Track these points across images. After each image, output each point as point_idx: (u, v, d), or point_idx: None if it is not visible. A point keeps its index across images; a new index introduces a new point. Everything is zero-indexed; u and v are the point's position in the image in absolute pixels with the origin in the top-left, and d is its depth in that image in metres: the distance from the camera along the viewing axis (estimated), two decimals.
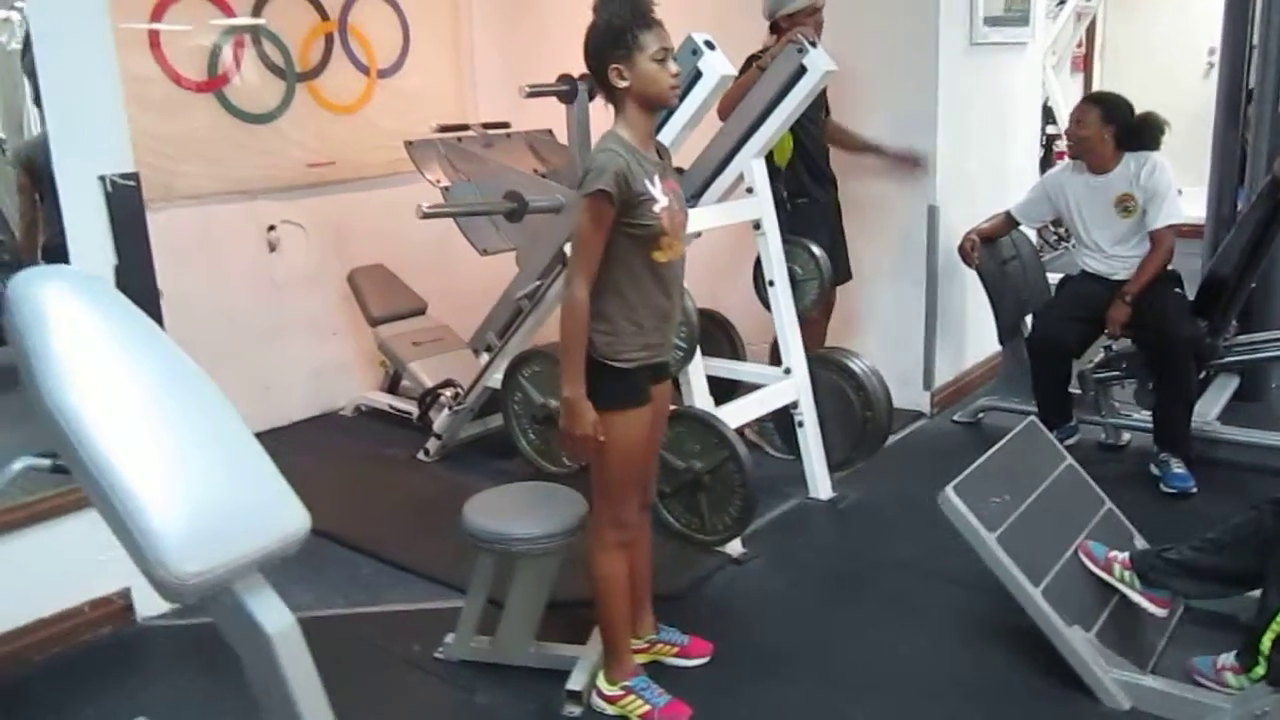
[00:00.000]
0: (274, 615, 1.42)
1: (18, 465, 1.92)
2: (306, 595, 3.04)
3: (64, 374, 1.40)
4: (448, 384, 4.07)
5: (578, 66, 3.65)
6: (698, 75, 2.95)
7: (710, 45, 2.94)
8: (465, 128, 4.03)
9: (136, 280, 2.81)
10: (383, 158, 4.75)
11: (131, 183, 2.78)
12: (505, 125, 4.18)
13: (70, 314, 1.49)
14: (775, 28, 3.70)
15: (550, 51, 4.88)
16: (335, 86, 4.60)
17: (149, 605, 2.97)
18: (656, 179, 2.21)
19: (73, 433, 1.36)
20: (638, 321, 2.23)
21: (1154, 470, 3.59)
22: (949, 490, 2.53)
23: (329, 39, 4.55)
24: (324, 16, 4.52)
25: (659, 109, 2.26)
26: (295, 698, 1.42)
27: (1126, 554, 2.59)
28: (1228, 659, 2.37)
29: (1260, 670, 2.27)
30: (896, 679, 2.58)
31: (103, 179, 2.72)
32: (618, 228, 2.17)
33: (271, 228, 4.43)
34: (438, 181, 3.76)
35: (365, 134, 4.72)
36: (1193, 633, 2.62)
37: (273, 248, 4.45)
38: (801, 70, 3.26)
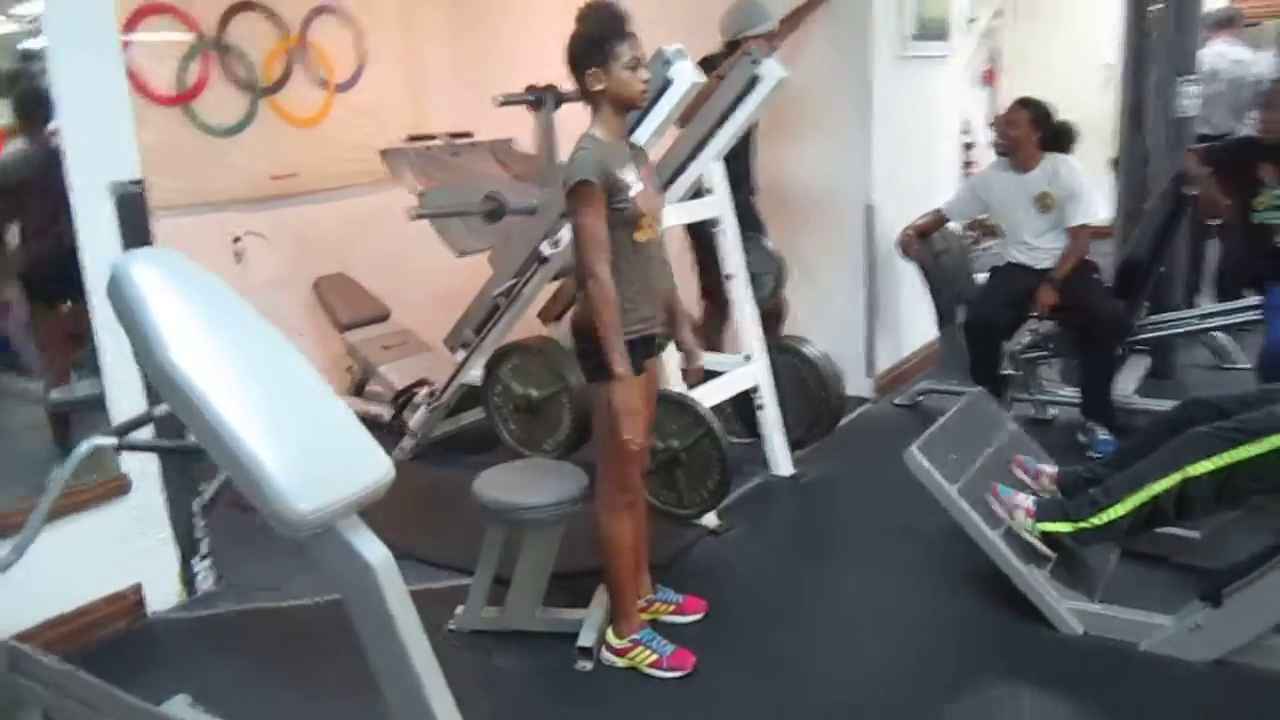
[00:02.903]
0: (374, 548, 1.59)
1: (85, 447, 2.05)
2: (315, 581, 3.20)
3: (175, 343, 1.56)
4: (422, 383, 4.23)
5: (525, 78, 3.92)
6: (668, 83, 3.20)
7: (680, 54, 3.19)
8: (433, 137, 4.21)
9: None
10: (342, 169, 4.91)
11: (138, 188, 2.92)
12: (468, 135, 4.38)
13: (169, 289, 1.65)
14: (732, 46, 3.97)
15: (499, 64, 5.15)
16: (297, 100, 4.74)
17: (159, 600, 3.08)
18: (630, 166, 2.46)
19: (193, 394, 1.52)
20: (630, 297, 2.46)
21: (1081, 438, 3.94)
22: (914, 449, 2.82)
23: (290, 55, 4.69)
24: (285, 33, 4.66)
25: (630, 109, 2.54)
26: (397, 622, 1.60)
27: (1056, 470, 3.00)
28: (1027, 501, 2.79)
29: (1052, 528, 2.72)
30: (874, 622, 2.86)
31: (113, 185, 2.85)
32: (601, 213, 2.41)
33: (237, 239, 4.53)
34: (414, 189, 3.93)
35: (325, 146, 4.86)
36: (1128, 568, 2.93)
37: (239, 258, 4.55)
38: (755, 79, 3.54)
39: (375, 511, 3.61)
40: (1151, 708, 2.41)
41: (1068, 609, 2.68)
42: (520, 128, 4.49)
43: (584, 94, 2.48)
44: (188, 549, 3.13)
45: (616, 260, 2.43)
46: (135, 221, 2.91)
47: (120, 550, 2.98)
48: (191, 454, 2.17)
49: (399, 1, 5.20)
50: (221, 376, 1.57)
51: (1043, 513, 2.79)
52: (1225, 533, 2.89)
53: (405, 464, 4.18)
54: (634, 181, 2.45)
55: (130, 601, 3.01)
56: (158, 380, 1.56)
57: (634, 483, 2.59)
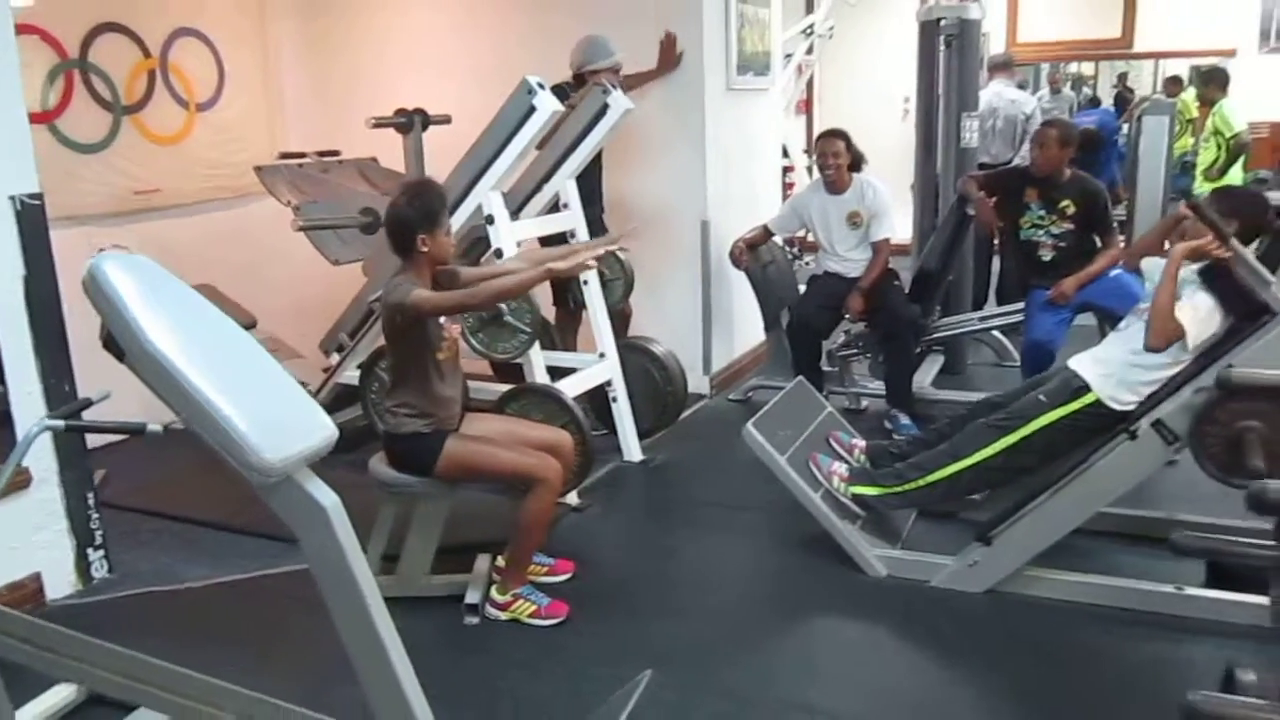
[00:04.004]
0: (326, 494, 1.93)
1: (36, 428, 2.30)
2: (204, 569, 3.47)
3: (151, 328, 1.88)
4: None
5: (377, 99, 4.26)
6: (532, 110, 3.62)
7: (542, 86, 3.62)
8: (304, 155, 4.48)
9: (42, 289, 3.16)
10: (203, 185, 5.11)
11: (38, 201, 3.12)
12: (336, 153, 4.66)
13: (136, 284, 1.96)
14: (580, 78, 4.42)
15: (352, 86, 5.48)
16: (159, 119, 4.90)
17: (57, 588, 3.26)
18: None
19: (174, 371, 1.83)
20: (439, 403, 3.00)
21: (888, 424, 4.57)
22: (749, 426, 3.33)
23: (151, 75, 4.85)
24: (146, 54, 4.82)
25: (442, 266, 3.05)
26: (347, 554, 1.94)
27: (865, 442, 3.59)
28: (842, 468, 3.38)
29: (862, 490, 3.33)
30: (718, 575, 3.36)
31: (13, 199, 3.05)
32: (412, 337, 2.95)
33: (100, 250, 4.65)
34: (288, 202, 4.19)
35: (187, 163, 5.03)
36: (924, 522, 3.53)
37: None
38: (605, 108, 4.00)
39: (253, 504, 3.92)
40: (939, 629, 2.97)
41: (874, 555, 3.24)
42: (374, 147, 4.85)
43: (405, 252, 2.96)
44: (84, 540, 3.32)
45: (422, 375, 2.98)
46: (35, 234, 3.11)
47: (22, 541, 3.16)
48: (133, 432, 2.45)
49: (257, 25, 5.41)
50: (191, 355, 1.88)
51: (855, 478, 3.36)
52: (1000, 492, 3.52)
53: None
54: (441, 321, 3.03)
55: (30, 590, 3.18)
56: (140, 361, 1.86)
57: (553, 466, 3.01)
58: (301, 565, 3.43)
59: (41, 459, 3.18)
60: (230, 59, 5.26)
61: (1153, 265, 3.31)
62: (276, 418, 1.92)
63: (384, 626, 2.02)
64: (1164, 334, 2.91)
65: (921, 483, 3.25)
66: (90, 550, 3.34)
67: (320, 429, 1.99)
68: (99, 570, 3.38)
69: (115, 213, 4.70)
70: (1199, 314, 2.90)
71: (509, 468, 3.01)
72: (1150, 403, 2.95)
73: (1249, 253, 2.89)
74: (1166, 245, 3.35)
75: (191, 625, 3.16)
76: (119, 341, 1.91)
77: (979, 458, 3.16)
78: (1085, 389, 3.03)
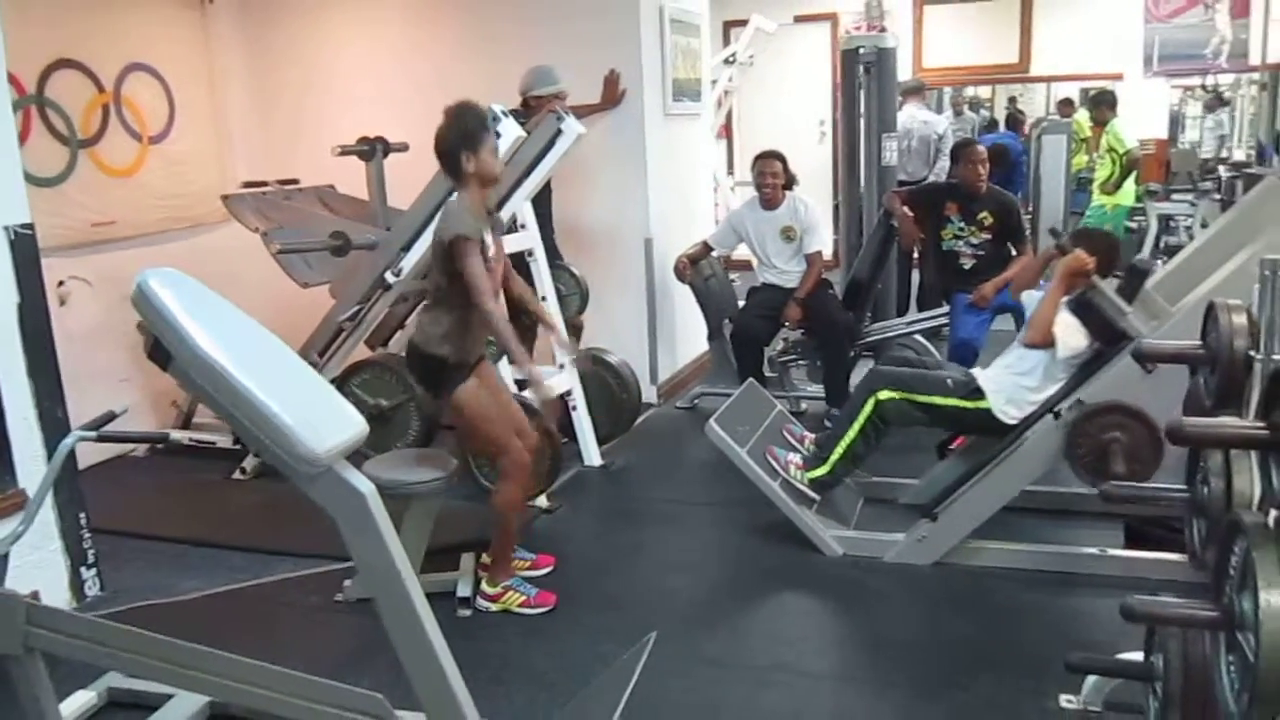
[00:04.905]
0: (363, 482, 2.13)
1: (70, 439, 2.45)
2: (195, 581, 3.60)
3: (199, 336, 2.07)
4: None
5: (325, 130, 4.43)
6: (496, 136, 3.85)
7: (505, 114, 3.86)
8: (265, 184, 4.63)
9: (35, 315, 3.28)
10: (157, 216, 5.20)
11: (30, 231, 3.25)
12: (295, 181, 4.83)
13: (179, 297, 2.15)
14: (525, 104, 4.67)
15: (296, 119, 5.65)
16: (113, 152, 4.99)
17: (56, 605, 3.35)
18: (488, 234, 3.18)
19: (225, 373, 2.03)
20: (470, 336, 3.19)
21: (827, 424, 4.87)
22: (712, 422, 3.61)
23: (106, 109, 4.95)
24: (100, 89, 4.92)
25: (491, 185, 3.26)
26: (384, 535, 2.15)
27: (814, 435, 3.90)
28: (796, 458, 3.68)
29: (816, 473, 3.60)
30: (686, 563, 3.62)
31: (6, 229, 3.18)
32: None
33: (61, 283, 4.73)
34: (256, 229, 4.35)
35: (142, 195, 5.13)
36: (871, 508, 3.85)
37: (62, 302, 4.74)
38: (559, 134, 4.26)
39: (233, 521, 4.13)
40: (893, 599, 3.29)
41: (830, 536, 3.53)
42: (325, 174, 5.04)
43: (455, 174, 3.16)
44: (77, 559, 3.42)
45: (464, 309, 3.12)
46: (28, 263, 3.24)
47: (19, 561, 3.21)
48: (157, 441, 2.61)
49: (204, 59, 5.54)
50: (236, 359, 2.08)
51: (808, 464, 3.65)
52: (936, 478, 3.86)
53: (244, 483, 4.51)
54: (490, 244, 3.18)
55: None
56: (192, 366, 2.05)
57: (524, 456, 3.24)
58: (290, 574, 3.65)
59: (36, 480, 3.27)
60: (180, 92, 5.37)
61: (1030, 298, 3.73)
62: (316, 414, 2.13)
63: (420, 602, 2.23)
64: (1041, 333, 3.34)
65: (851, 435, 3.56)
66: (84, 569, 3.45)
67: (353, 424, 2.20)
68: (92, 588, 3.48)
69: (74, 245, 4.76)
70: (1068, 328, 3.32)
71: (494, 439, 3.21)
72: (1032, 419, 3.34)
73: (1108, 286, 3.29)
74: (1042, 281, 3.79)
75: (192, 633, 3.19)
76: (168, 349, 2.11)
77: (882, 397, 3.53)
78: (983, 394, 3.40)
